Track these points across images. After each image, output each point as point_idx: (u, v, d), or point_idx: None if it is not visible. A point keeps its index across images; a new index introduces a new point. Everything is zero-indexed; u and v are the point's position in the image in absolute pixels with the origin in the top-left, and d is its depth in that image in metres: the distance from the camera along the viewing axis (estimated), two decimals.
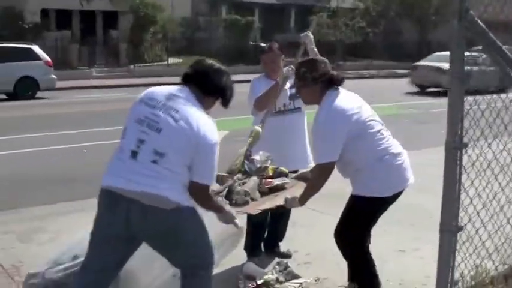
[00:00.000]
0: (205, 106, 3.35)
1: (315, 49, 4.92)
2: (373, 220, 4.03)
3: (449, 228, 3.29)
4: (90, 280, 3.34)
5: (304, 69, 4.00)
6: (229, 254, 4.23)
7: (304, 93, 4.08)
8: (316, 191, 4.00)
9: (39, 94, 20.58)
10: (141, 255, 3.47)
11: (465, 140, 3.23)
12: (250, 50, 34.43)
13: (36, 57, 20.56)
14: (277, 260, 4.86)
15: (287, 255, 5.07)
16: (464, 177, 3.31)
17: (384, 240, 5.35)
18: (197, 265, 3.36)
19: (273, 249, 5.17)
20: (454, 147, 3.21)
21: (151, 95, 3.29)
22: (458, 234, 3.36)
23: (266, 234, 5.16)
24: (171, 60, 34.20)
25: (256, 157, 4.46)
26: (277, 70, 4.87)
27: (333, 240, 4.08)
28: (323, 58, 4.15)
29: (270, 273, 4.55)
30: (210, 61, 3.48)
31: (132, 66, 31.83)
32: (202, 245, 3.36)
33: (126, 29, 34.22)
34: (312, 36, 4.99)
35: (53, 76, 21.10)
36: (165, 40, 35.23)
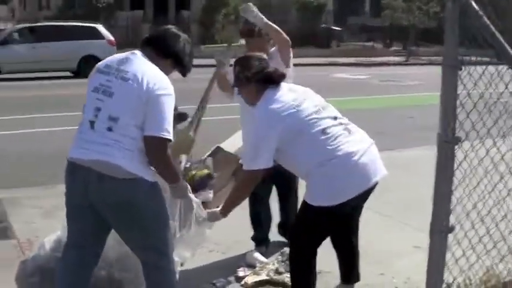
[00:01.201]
0: (161, 70, 3.21)
1: (264, 19, 4.45)
2: (318, 233, 3.58)
3: (440, 229, 3.04)
4: (72, 259, 3.31)
5: (238, 68, 3.69)
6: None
7: (244, 92, 3.74)
8: (241, 201, 3.75)
9: None
10: None
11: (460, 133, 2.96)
12: (322, 33, 34.00)
13: (100, 36, 20.93)
14: (282, 250, 4.68)
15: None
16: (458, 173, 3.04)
17: (401, 235, 5.11)
18: (154, 250, 3.23)
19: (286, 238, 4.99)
20: (446, 141, 2.96)
21: (105, 62, 3.23)
22: (452, 235, 3.10)
23: (280, 222, 4.99)
24: (243, 41, 34.16)
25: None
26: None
27: None
28: (260, 54, 3.82)
29: (272, 263, 4.40)
30: (169, 26, 3.42)
31: (202, 47, 32.02)
32: (158, 228, 3.22)
33: (198, 9, 34.44)
34: (253, 8, 4.44)
35: None
36: (237, 22, 35.23)
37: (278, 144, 3.44)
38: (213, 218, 3.75)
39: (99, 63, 3.27)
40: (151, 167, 3.17)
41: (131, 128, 3.06)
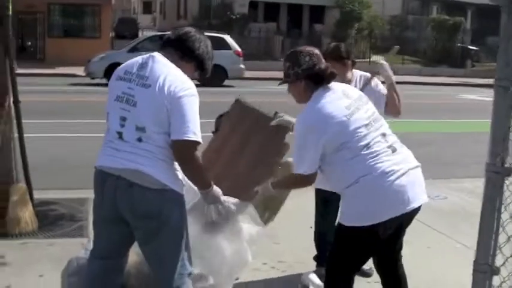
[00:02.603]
0: (183, 72, 3.10)
1: (392, 77, 4.28)
2: (351, 256, 3.33)
3: (483, 269, 2.71)
4: (96, 269, 3.27)
5: (288, 64, 3.42)
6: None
7: (292, 90, 3.49)
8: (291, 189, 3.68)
9: (226, 82, 21.38)
10: None
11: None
12: (457, 52, 32.78)
13: (227, 46, 21.43)
14: None
15: (367, 274, 4.60)
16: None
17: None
18: (169, 264, 3.11)
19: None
20: (495, 171, 2.63)
21: (125, 68, 3.12)
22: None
23: None
24: (375, 58, 33.84)
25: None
26: (339, 79, 4.31)
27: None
28: (311, 49, 3.49)
29: None
30: (190, 29, 3.30)
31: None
32: (178, 241, 3.10)
33: (331, 23, 34.40)
34: (385, 63, 4.32)
35: (242, 66, 21.88)
36: (370, 37, 34.87)
37: (322, 151, 3.22)
38: (266, 190, 3.56)
39: (118, 68, 3.18)
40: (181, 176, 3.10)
41: (160, 136, 2.98)
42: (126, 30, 34.95)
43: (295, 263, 4.77)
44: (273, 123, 3.89)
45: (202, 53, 3.21)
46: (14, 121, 5.53)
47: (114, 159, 3.03)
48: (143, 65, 3.06)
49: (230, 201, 3.45)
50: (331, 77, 3.36)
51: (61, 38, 29.02)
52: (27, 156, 5.63)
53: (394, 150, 3.23)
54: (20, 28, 28.81)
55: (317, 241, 4.69)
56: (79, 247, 4.93)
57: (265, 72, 25.58)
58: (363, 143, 3.18)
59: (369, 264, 4.43)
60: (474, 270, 2.75)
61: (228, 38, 21.83)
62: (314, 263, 4.67)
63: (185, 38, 3.21)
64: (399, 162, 3.20)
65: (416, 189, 3.22)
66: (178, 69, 3.07)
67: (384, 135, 3.27)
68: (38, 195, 6.16)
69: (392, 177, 3.13)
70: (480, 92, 23.36)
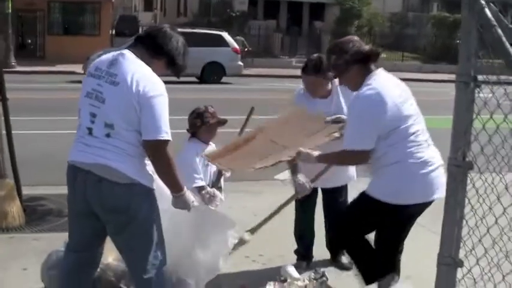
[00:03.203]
0: (154, 69, 3.14)
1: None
2: (367, 225, 3.71)
3: (447, 261, 2.76)
4: (71, 262, 3.35)
5: (335, 56, 3.59)
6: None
7: (346, 80, 3.68)
8: (334, 164, 3.89)
9: (224, 79, 21.43)
10: None
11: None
12: (456, 48, 32.67)
13: (225, 43, 21.44)
14: (317, 268, 4.48)
15: (347, 267, 4.65)
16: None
17: None
18: (142, 257, 3.16)
19: (334, 257, 4.79)
20: (456, 165, 2.68)
21: (96, 65, 3.16)
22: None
23: (328, 240, 4.80)
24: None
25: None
26: (320, 91, 4.34)
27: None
28: (350, 37, 3.71)
29: (303, 279, 4.21)
30: (164, 25, 3.36)
31: None
32: (149, 234, 3.15)
33: (331, 21, 34.37)
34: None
35: (240, 63, 21.87)
36: (369, 34, 34.84)
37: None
38: (306, 157, 3.79)
39: (91, 65, 3.21)
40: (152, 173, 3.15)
41: (129, 133, 3.02)
42: (126, 28, 34.90)
43: (276, 256, 4.83)
44: (328, 119, 4.13)
45: (172, 48, 3.21)
46: (2, 118, 5.59)
47: (84, 154, 3.08)
48: (113, 62, 3.09)
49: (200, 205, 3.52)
50: (377, 56, 3.61)
51: (61, 36, 29.05)
52: (15, 152, 5.69)
53: (429, 145, 3.55)
54: (20, 26, 28.91)
55: (297, 236, 4.76)
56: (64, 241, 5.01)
57: (264, 70, 25.61)
58: (410, 131, 3.46)
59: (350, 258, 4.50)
60: (438, 263, 2.80)
61: (226, 35, 21.83)
62: (294, 257, 4.74)
63: (155, 35, 3.24)
64: (434, 156, 3.53)
65: (440, 183, 3.42)
66: (147, 67, 3.10)
67: (423, 129, 3.55)
68: (28, 191, 6.23)
69: (429, 168, 3.47)
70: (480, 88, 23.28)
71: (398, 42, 35.38)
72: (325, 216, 4.73)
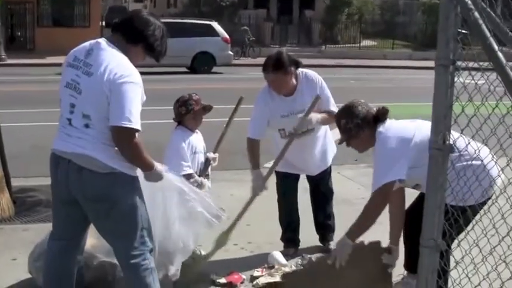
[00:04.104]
0: (132, 56, 3.16)
1: (315, 118, 4.28)
2: None
3: (429, 244, 2.79)
4: (55, 249, 3.38)
5: (344, 121, 3.66)
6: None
7: (355, 144, 3.73)
8: (371, 224, 3.51)
9: (215, 69, 21.42)
10: None
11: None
12: None
13: (215, 33, 21.41)
14: (304, 254, 4.54)
15: None
16: None
17: None
18: (128, 244, 3.20)
19: (322, 242, 4.84)
20: (437, 148, 2.71)
21: (74, 54, 3.17)
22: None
23: (315, 226, 4.85)
24: (366, 42, 33.89)
25: None
26: (284, 88, 4.34)
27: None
28: (356, 100, 3.75)
29: (290, 266, 4.26)
30: (139, 10, 3.34)
31: (323, 47, 31.98)
32: (134, 223, 3.18)
33: (321, 9, 34.35)
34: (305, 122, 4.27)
35: (230, 52, 21.91)
36: (360, 22, 34.87)
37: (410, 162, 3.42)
38: (343, 249, 3.49)
39: (69, 54, 3.21)
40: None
41: (105, 123, 3.03)
42: (116, 19, 34.83)
43: (264, 243, 4.87)
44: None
45: (148, 34, 3.20)
46: None
47: (65, 144, 3.12)
48: (89, 52, 3.11)
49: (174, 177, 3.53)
50: (385, 115, 3.64)
51: (51, 28, 28.87)
52: (3, 144, 5.70)
53: None
54: (9, 18, 28.74)
55: (283, 223, 4.81)
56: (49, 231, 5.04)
57: (255, 59, 25.57)
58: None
59: None
60: (421, 245, 2.82)
61: (215, 25, 21.79)
62: (282, 244, 4.78)
63: (129, 21, 3.24)
64: None
65: None
66: (122, 56, 3.10)
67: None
68: (18, 182, 6.25)
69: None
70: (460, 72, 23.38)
71: (389, 30, 35.41)
72: (313, 201, 4.81)
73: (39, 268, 3.72)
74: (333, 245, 4.73)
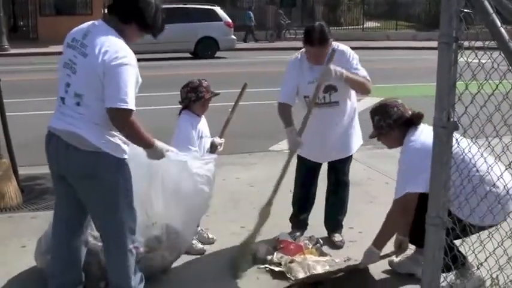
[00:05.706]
0: (127, 35, 3.19)
1: (344, 75, 4.20)
2: None
3: (435, 222, 2.81)
4: (58, 229, 3.46)
5: (378, 117, 3.80)
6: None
7: (384, 140, 3.89)
8: (393, 233, 3.69)
9: (218, 54, 21.37)
10: None
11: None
12: None
13: (218, 18, 21.33)
14: (311, 236, 4.56)
15: (338, 246, 4.65)
16: None
17: None
18: (111, 226, 3.28)
19: (328, 233, 4.81)
20: (442, 126, 2.72)
21: (72, 36, 3.22)
22: None
23: (325, 217, 4.83)
24: (369, 24, 33.70)
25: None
26: (323, 59, 4.30)
27: None
28: (394, 100, 3.85)
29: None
30: None
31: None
32: (118, 204, 3.23)
33: None
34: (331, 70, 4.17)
35: (233, 37, 21.84)
36: (363, 3, 34.71)
37: None
38: (370, 258, 3.70)
39: (68, 34, 3.25)
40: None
41: (96, 103, 3.08)
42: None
43: (272, 226, 4.85)
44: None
45: (139, 11, 3.20)
46: None
47: (58, 121, 3.19)
48: (86, 33, 3.15)
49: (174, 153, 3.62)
50: (420, 119, 3.72)
51: (53, 16, 28.81)
52: (9, 132, 5.72)
53: None
54: (11, 8, 28.69)
55: (294, 202, 4.80)
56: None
57: (257, 44, 25.53)
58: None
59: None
60: (426, 223, 2.84)
61: (218, 10, 21.70)
62: (289, 226, 4.79)
63: (122, 0, 3.25)
64: None
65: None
66: (118, 37, 3.13)
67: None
68: (25, 171, 6.27)
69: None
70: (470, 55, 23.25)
71: (392, 11, 35.21)
72: (327, 190, 4.80)
73: (44, 261, 3.78)
74: (338, 237, 4.75)
